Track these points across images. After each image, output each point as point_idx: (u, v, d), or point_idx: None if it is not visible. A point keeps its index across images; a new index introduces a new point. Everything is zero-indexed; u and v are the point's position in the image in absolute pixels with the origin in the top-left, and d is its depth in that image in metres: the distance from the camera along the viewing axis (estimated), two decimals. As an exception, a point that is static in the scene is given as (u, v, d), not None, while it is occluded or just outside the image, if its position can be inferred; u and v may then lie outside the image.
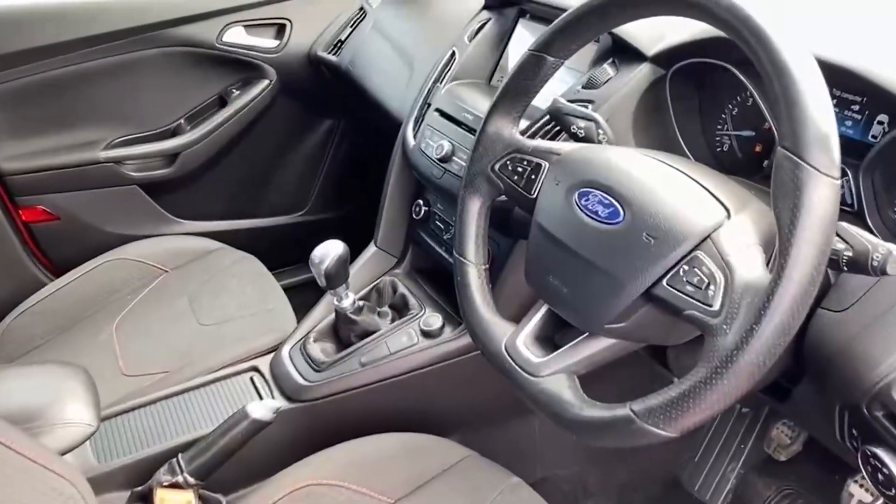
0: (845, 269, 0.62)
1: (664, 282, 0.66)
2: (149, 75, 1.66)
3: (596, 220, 0.72)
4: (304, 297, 1.46)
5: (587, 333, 0.75)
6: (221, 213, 1.86)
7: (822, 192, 0.56)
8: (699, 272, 0.64)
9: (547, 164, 0.81)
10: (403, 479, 1.00)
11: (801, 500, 1.40)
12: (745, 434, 1.47)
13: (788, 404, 0.90)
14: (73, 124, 1.63)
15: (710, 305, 0.62)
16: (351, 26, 1.72)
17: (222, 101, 1.77)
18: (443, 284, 1.26)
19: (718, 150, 1.02)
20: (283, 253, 1.84)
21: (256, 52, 1.73)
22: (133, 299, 1.42)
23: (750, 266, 0.62)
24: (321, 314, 1.25)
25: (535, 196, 0.81)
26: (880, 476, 0.71)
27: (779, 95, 0.59)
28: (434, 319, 1.18)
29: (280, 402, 1.12)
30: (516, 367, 0.77)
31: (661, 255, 0.66)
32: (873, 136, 0.84)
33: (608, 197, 0.72)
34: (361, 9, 1.73)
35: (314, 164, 1.94)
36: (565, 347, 0.76)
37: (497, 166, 0.86)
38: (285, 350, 1.21)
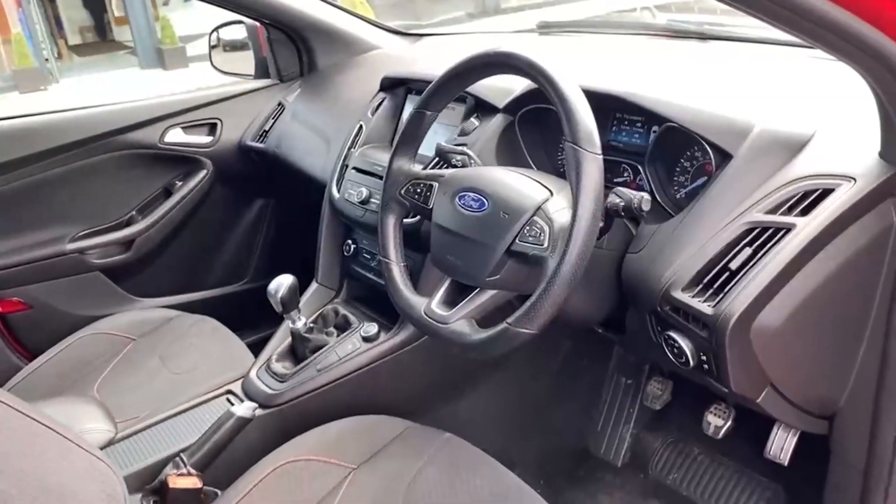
0: (622, 214, 1.01)
1: (517, 240, 1.02)
2: (103, 176, 1.96)
3: (471, 211, 1.08)
4: (255, 351, 1.66)
5: (477, 289, 1.09)
6: (175, 289, 2.13)
7: (591, 164, 0.94)
8: (536, 228, 1.00)
9: (437, 185, 1.17)
10: (362, 450, 1.26)
11: (681, 444, 1.76)
12: (631, 401, 1.83)
13: (626, 337, 1.26)
14: (42, 223, 1.90)
15: (543, 245, 0.98)
16: (273, 118, 2.07)
17: (167, 192, 2.08)
18: (376, 303, 1.58)
19: (561, 170, 1.41)
20: (231, 318, 2.11)
21: (194, 148, 2.05)
22: (108, 366, 1.61)
23: (563, 220, 0.99)
24: (279, 341, 1.54)
25: (431, 207, 1.16)
26: (676, 351, 1.07)
27: (561, 112, 0.97)
28: (371, 328, 1.49)
29: (256, 404, 1.39)
30: (433, 322, 1.10)
31: (513, 223, 1.02)
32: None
33: (477, 194, 1.08)
34: (280, 104, 2.10)
35: (251, 238, 2.26)
36: (464, 301, 1.09)
37: (403, 191, 1.21)
38: (253, 372, 1.48)
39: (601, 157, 0.95)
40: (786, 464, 1.41)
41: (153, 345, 1.68)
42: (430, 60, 1.76)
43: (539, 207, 1.01)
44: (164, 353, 1.64)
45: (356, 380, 1.45)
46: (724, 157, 1.11)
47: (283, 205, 2.27)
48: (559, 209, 1.01)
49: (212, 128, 2.09)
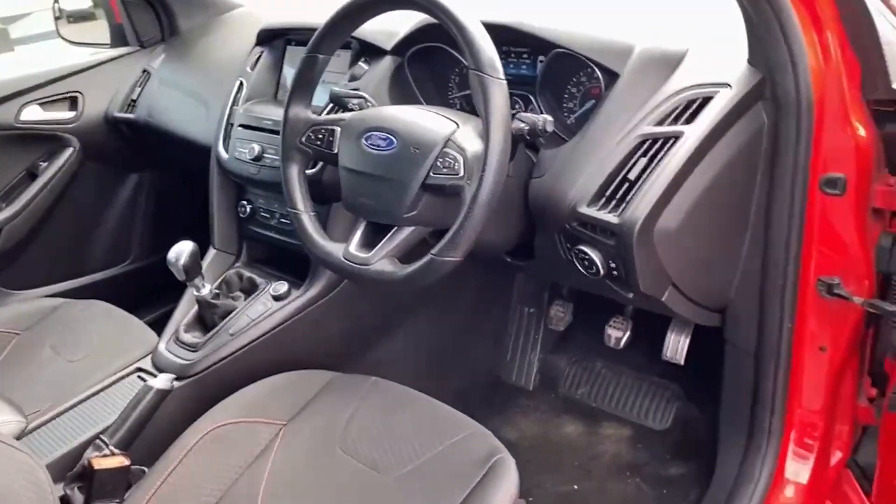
0: (528, 137, 1.05)
1: (431, 173, 1.04)
2: (-45, 163, 1.79)
3: (379, 150, 1.09)
4: (157, 329, 1.58)
5: (395, 227, 1.10)
6: (55, 277, 2.00)
7: (497, 89, 0.97)
8: (449, 160, 1.02)
9: (339, 129, 1.17)
10: (289, 405, 1.25)
11: (585, 360, 1.87)
12: (535, 327, 1.92)
13: (535, 261, 1.33)
14: None
15: (459, 174, 1.01)
16: (139, 86, 1.96)
17: (32, 175, 1.92)
18: (281, 262, 1.56)
19: (453, 107, 1.44)
20: (123, 299, 2.01)
21: (55, 125, 1.91)
22: None
23: (475, 148, 1.02)
24: (184, 311, 1.49)
25: (336, 151, 1.16)
26: (587, 263, 1.14)
27: (461, 42, 1.00)
28: (281, 286, 1.47)
29: (174, 376, 1.35)
30: (355, 265, 1.11)
31: (424, 157, 1.04)
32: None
33: (383, 133, 1.09)
34: (145, 70, 1.99)
35: (130, 214, 2.14)
36: (383, 241, 1.11)
37: (303, 139, 1.20)
38: (162, 346, 1.43)
39: (505, 81, 0.98)
40: (682, 363, 1.54)
41: (41, 336, 1.57)
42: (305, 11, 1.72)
43: (449, 139, 1.04)
44: (55, 342, 1.55)
45: (273, 339, 1.44)
46: (612, 77, 1.17)
47: (161, 175, 2.17)
48: (469, 138, 1.03)
49: (73, 102, 1.96)
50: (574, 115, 1.29)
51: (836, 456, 1.35)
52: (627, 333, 1.64)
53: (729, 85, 1.08)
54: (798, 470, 1.32)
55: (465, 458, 1.10)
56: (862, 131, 1.08)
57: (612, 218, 1.07)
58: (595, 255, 1.13)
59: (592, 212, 1.09)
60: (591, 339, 1.80)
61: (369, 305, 1.58)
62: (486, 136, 0.97)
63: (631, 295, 1.20)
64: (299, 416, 1.24)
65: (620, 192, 1.08)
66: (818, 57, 1.06)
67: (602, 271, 1.14)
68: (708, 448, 1.49)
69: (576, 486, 1.59)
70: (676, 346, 1.55)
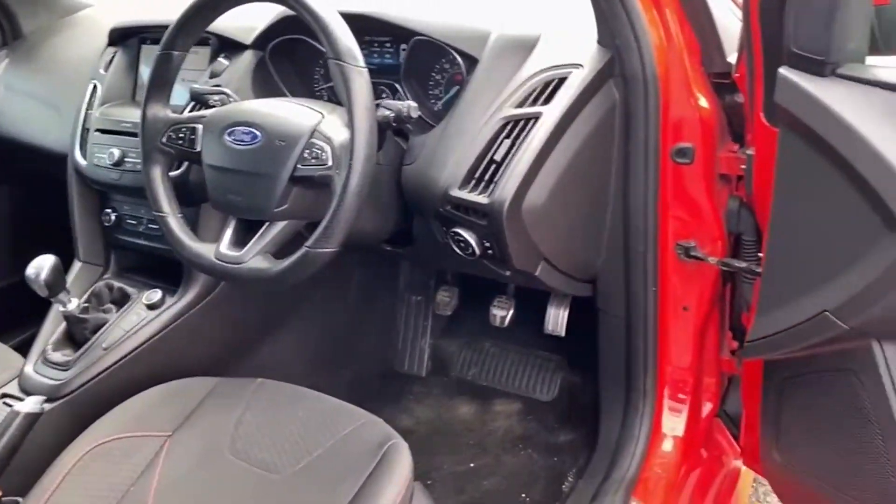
0: (394, 124, 1.06)
1: (299, 165, 1.03)
2: None
3: (244, 145, 1.07)
4: (22, 352, 1.48)
5: (267, 223, 1.09)
6: None
7: (358, 77, 0.98)
8: (316, 150, 1.02)
9: (200, 127, 1.13)
10: (174, 415, 1.21)
11: (475, 343, 1.92)
12: (424, 315, 1.94)
13: (415, 248, 1.34)
14: None
15: (327, 164, 1.01)
16: (-19, 96, 1.82)
17: None
18: (153, 270, 1.50)
19: (320, 99, 1.43)
20: None
21: None
22: None
23: (341, 137, 1.02)
24: (50, 329, 1.40)
25: (199, 150, 1.13)
26: (463, 245, 1.17)
27: (318, 32, 0.99)
28: (154, 294, 1.42)
29: (43, 397, 1.27)
30: (227, 265, 1.08)
31: (291, 149, 1.03)
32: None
33: (247, 127, 1.07)
34: (-13, 78, 1.85)
35: None
36: (255, 238, 1.09)
37: (164, 140, 1.15)
38: (28, 367, 1.34)
39: (366, 69, 0.99)
40: (563, 335, 1.61)
41: None
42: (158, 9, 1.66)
43: (315, 129, 1.03)
44: None
45: (150, 350, 1.38)
46: (472, 62, 1.20)
47: (14, 189, 2.02)
48: (335, 127, 1.03)
49: None
50: (441, 101, 1.32)
51: (707, 407, 1.46)
52: (511, 311, 1.69)
53: (581, 65, 1.13)
54: (674, 424, 1.41)
55: (357, 447, 1.11)
56: (705, 103, 1.17)
57: (482, 199, 1.10)
58: (470, 237, 1.16)
59: (463, 194, 1.12)
60: (478, 321, 1.84)
61: (250, 305, 1.55)
62: (351, 124, 0.98)
63: (508, 273, 1.24)
64: (185, 426, 1.20)
65: (488, 174, 1.11)
66: (660, 34, 1.13)
67: (478, 252, 1.17)
68: (592, 413, 1.56)
69: (472, 464, 1.63)
70: (557, 319, 1.61)
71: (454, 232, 1.17)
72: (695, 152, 1.17)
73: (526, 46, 1.19)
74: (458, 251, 1.19)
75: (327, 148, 1.01)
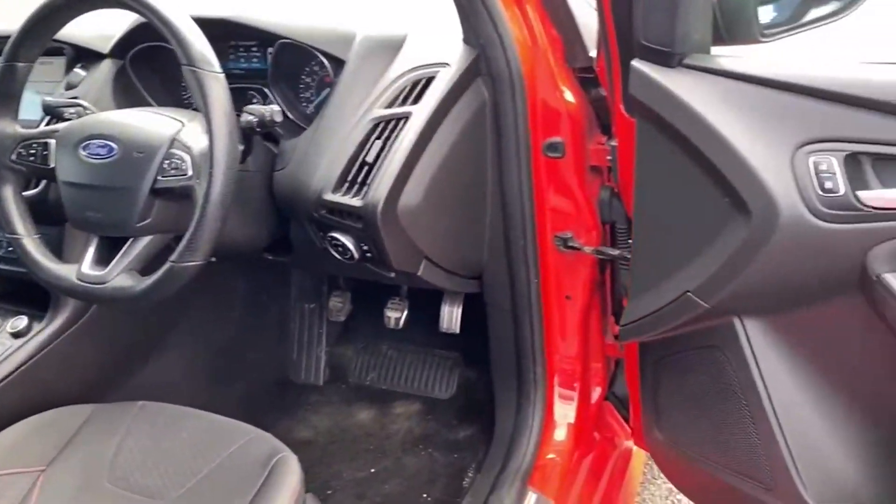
0: (258, 129, 1.03)
1: (159, 177, 0.99)
2: None
3: (99, 159, 1.01)
4: None
5: (130, 239, 1.04)
6: None
7: (214, 82, 0.95)
8: (176, 160, 0.98)
9: (53, 141, 1.07)
10: (47, 448, 1.14)
11: (372, 347, 1.90)
12: (318, 322, 1.91)
13: (295, 255, 1.32)
14: None
15: (188, 174, 0.97)
16: None
17: None
18: (16, 295, 1.40)
19: (188, 107, 1.38)
20: None
21: None
22: None
23: (201, 145, 0.99)
24: None
25: (53, 166, 1.06)
26: (341, 249, 1.15)
27: (171, 39, 0.95)
28: (19, 321, 1.33)
29: None
30: (89, 285, 1.03)
31: (149, 160, 0.99)
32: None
33: (102, 140, 1.01)
34: None
35: None
36: (119, 256, 1.04)
37: (13, 157, 1.08)
38: None
39: (222, 74, 0.96)
40: (458, 332, 1.62)
41: None
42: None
43: (174, 138, 0.99)
44: None
45: (18, 381, 1.29)
46: (339, 64, 1.19)
47: None
48: (195, 136, 1.00)
49: None
50: (312, 104, 1.30)
51: (596, 392, 1.50)
52: (405, 312, 1.68)
53: (448, 64, 1.14)
54: (565, 411, 1.44)
55: (244, 464, 1.08)
56: (571, 97, 1.19)
57: (355, 202, 1.09)
58: (347, 241, 1.14)
59: (337, 198, 1.10)
60: (373, 325, 1.83)
61: (128, 326, 1.48)
62: (209, 132, 0.94)
63: (392, 274, 1.23)
64: (60, 458, 1.13)
65: (361, 176, 1.10)
66: (523, 31, 1.14)
67: (356, 255, 1.15)
68: (490, 407, 1.58)
69: (372, 470, 1.62)
70: (451, 316, 1.61)
71: (331, 236, 1.15)
72: (565, 146, 1.20)
73: (393, 47, 1.19)
74: (336, 256, 1.18)
75: (187, 157, 0.98)
